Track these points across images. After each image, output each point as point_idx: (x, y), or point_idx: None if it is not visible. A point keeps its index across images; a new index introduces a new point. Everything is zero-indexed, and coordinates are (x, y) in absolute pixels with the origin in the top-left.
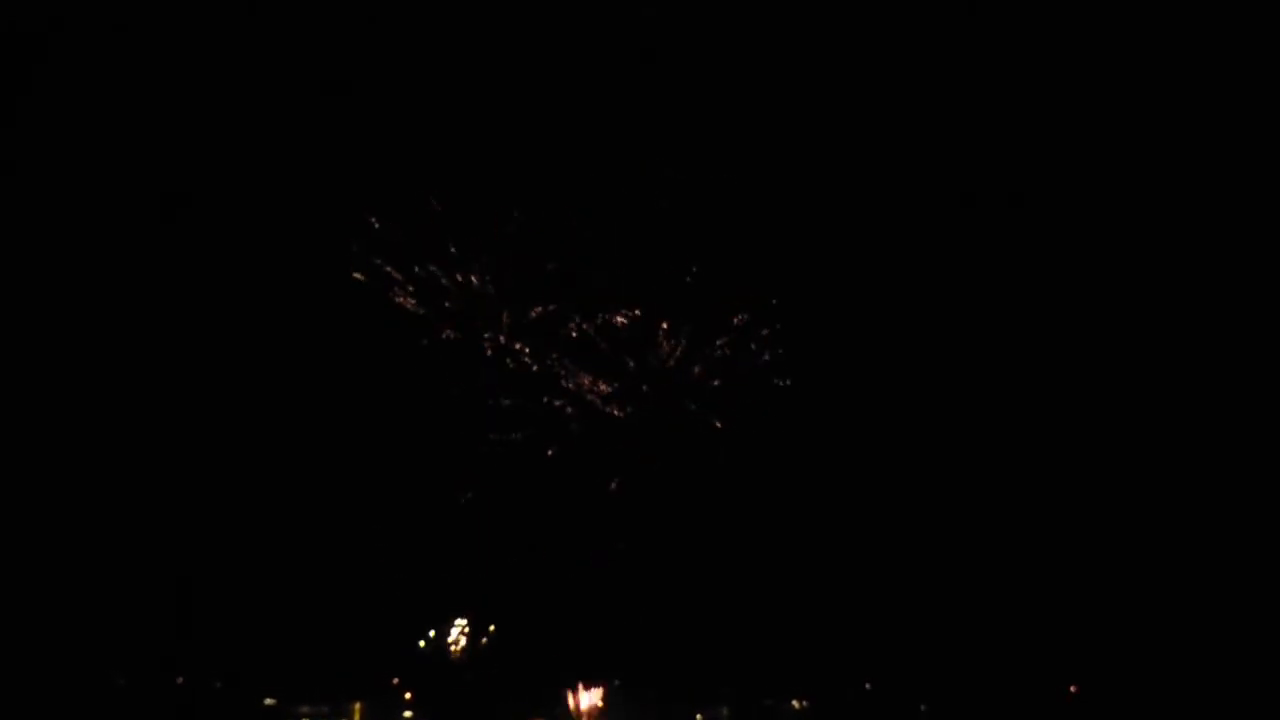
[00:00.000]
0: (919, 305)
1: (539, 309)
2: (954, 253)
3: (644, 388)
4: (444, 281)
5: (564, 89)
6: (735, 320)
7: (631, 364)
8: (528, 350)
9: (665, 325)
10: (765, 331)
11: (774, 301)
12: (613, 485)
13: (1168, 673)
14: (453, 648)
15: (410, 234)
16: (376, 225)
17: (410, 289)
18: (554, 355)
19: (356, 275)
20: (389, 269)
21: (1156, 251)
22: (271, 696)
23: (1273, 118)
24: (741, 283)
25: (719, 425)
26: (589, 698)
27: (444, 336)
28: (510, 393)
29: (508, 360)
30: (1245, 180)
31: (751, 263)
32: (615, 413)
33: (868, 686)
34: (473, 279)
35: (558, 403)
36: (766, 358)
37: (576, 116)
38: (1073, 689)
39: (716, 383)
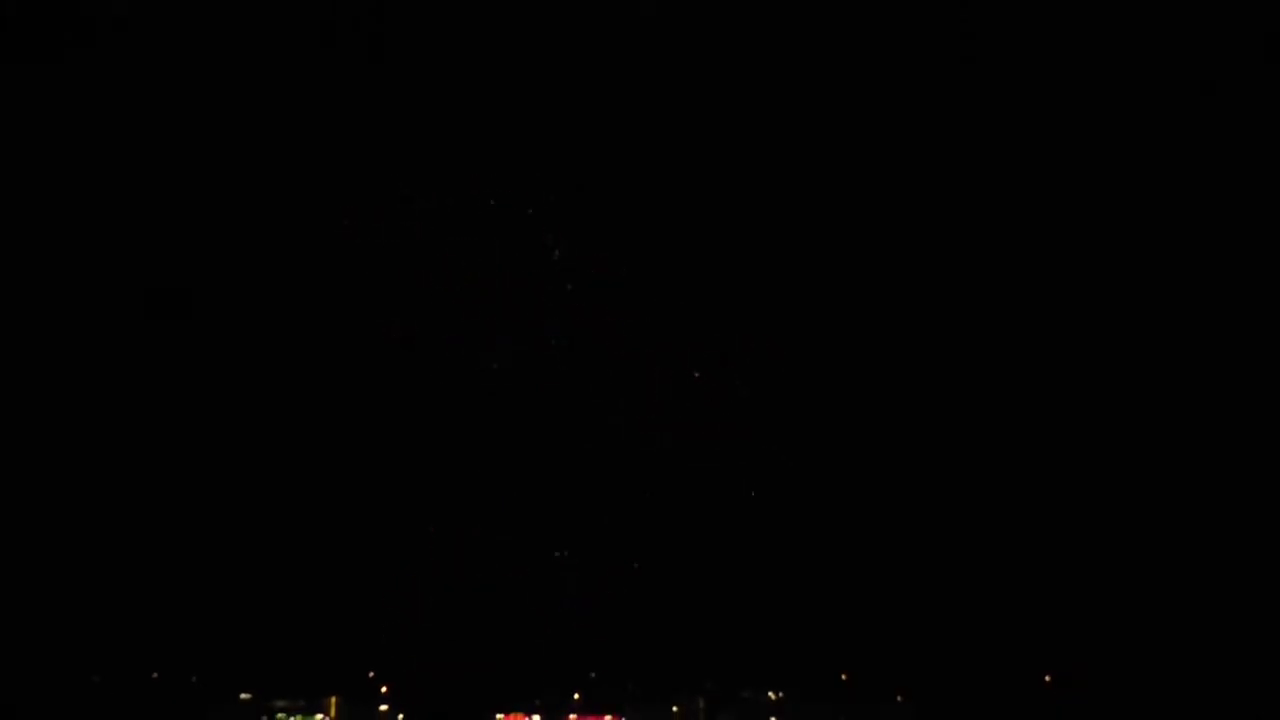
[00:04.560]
0: (919, 307)
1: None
2: (956, 254)
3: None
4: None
5: (561, 89)
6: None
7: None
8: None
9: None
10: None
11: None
12: (594, 476)
13: (1152, 672)
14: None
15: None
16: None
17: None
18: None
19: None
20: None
21: (1157, 252)
22: (247, 691)
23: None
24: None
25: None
26: None
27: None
28: (489, 385)
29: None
30: (1245, 181)
31: (751, 262)
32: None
33: (844, 678)
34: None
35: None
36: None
37: (574, 116)
38: (1047, 678)
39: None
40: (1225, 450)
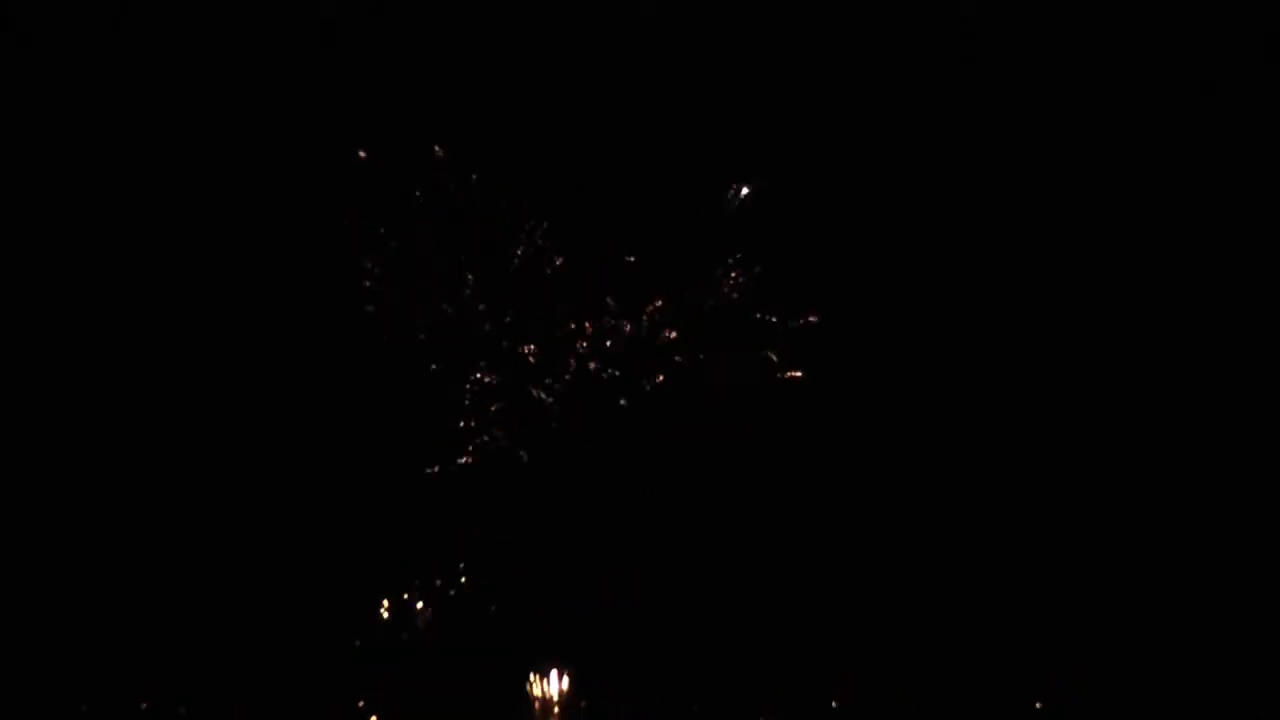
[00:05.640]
0: (921, 306)
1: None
2: (961, 254)
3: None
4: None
5: (561, 89)
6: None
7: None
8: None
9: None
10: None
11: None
12: (583, 491)
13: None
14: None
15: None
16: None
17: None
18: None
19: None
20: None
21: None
22: None
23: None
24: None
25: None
26: (555, 686)
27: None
28: (481, 395)
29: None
30: (1245, 181)
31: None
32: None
33: (834, 704)
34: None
35: (531, 398)
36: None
37: (574, 116)
38: (1038, 705)
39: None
40: (1224, 457)
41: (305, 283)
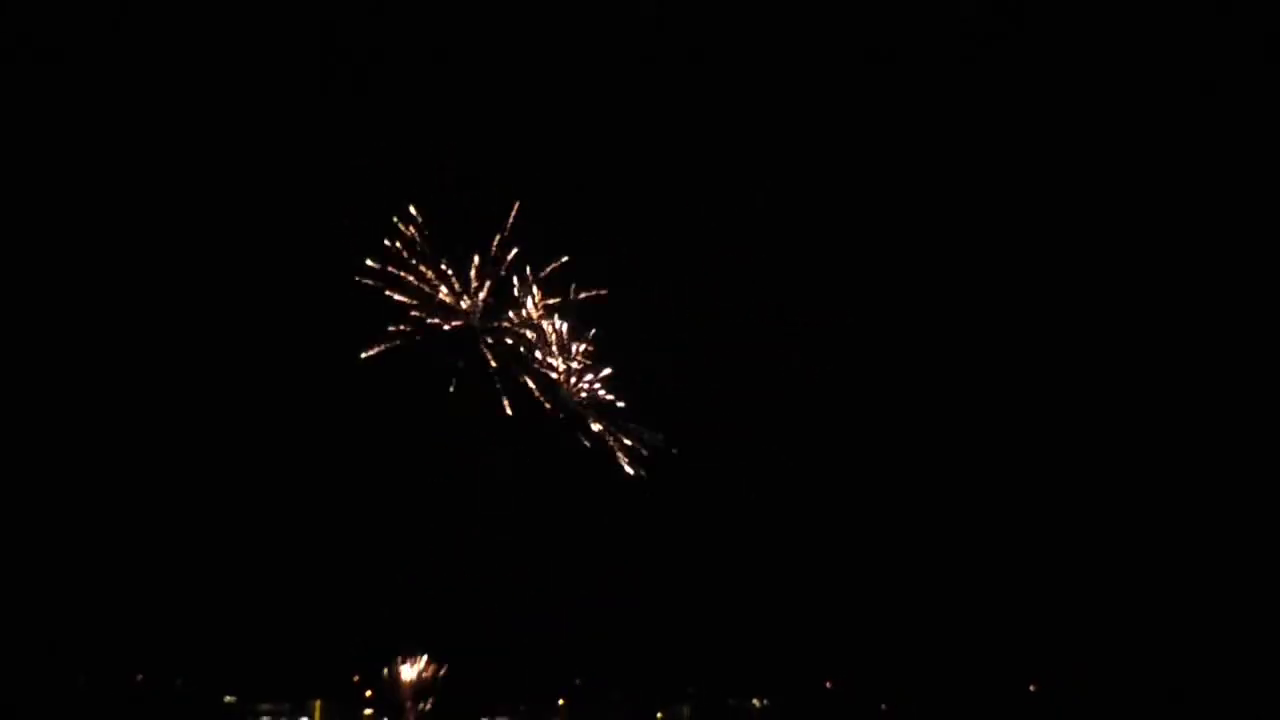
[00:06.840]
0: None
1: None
2: (955, 256)
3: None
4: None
5: (561, 89)
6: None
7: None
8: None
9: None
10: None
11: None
12: (581, 486)
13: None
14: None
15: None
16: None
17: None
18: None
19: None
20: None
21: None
22: (232, 694)
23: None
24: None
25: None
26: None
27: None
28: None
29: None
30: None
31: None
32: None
33: (828, 685)
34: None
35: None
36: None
37: (574, 116)
38: (1032, 687)
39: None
40: (1219, 454)
41: (306, 283)
